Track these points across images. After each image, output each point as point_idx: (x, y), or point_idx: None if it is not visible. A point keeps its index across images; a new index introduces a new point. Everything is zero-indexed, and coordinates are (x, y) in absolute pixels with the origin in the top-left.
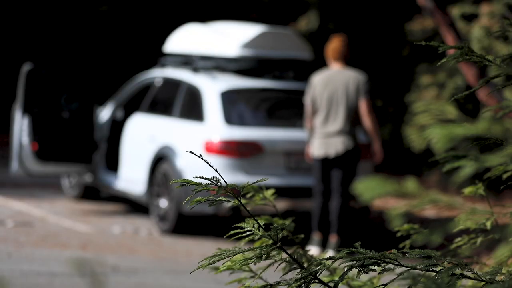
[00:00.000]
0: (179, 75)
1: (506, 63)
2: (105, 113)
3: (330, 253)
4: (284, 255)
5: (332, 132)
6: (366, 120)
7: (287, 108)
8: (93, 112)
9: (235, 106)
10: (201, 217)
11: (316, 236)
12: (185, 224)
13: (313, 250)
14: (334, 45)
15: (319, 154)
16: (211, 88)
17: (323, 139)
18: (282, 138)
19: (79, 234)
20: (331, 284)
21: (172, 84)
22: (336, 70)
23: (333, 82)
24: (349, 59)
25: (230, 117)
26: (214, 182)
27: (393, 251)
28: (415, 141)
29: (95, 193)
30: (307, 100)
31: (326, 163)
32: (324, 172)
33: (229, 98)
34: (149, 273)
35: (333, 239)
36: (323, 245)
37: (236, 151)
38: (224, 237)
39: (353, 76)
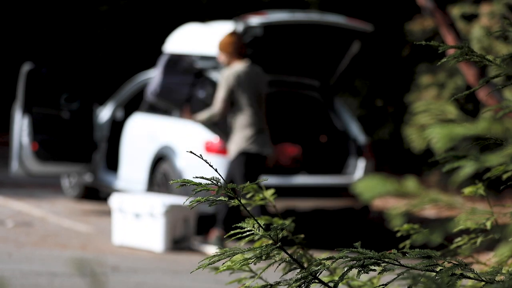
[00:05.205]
0: None
1: (506, 63)
2: (105, 113)
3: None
4: (284, 255)
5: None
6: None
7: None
8: (93, 112)
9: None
10: (201, 217)
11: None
12: None
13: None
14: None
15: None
16: None
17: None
18: None
19: (79, 234)
20: (331, 284)
21: None
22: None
23: (255, 78)
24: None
25: None
26: (214, 182)
27: (393, 251)
28: (415, 141)
29: (95, 193)
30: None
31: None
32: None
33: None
34: (149, 273)
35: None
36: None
37: None
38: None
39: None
